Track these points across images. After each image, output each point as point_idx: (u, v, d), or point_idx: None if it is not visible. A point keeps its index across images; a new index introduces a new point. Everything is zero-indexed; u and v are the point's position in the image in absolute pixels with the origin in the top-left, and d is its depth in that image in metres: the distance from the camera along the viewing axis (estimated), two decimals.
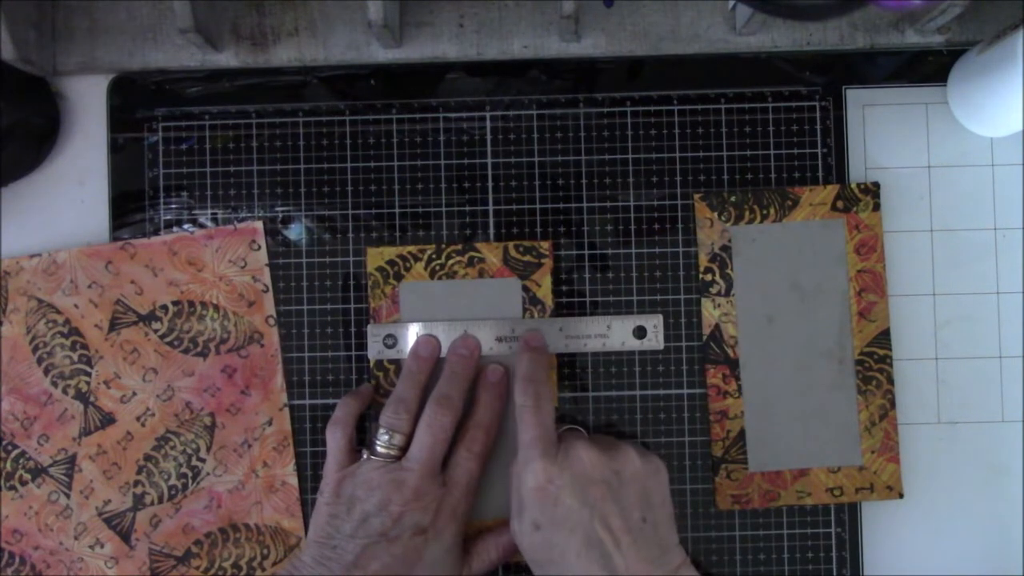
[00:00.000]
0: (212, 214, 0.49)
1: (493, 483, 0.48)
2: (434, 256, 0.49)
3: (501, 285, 0.48)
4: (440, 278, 0.48)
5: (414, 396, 0.46)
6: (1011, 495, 0.49)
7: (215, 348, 0.49)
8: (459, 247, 0.49)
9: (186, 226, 0.49)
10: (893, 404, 0.48)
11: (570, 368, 0.49)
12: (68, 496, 0.48)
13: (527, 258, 0.49)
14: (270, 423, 0.49)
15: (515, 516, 0.43)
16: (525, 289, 0.48)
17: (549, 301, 0.48)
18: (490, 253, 0.49)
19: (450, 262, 0.48)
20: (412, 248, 0.49)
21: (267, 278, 0.49)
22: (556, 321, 0.48)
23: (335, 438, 0.46)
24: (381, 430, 0.45)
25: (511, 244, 0.49)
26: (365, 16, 0.45)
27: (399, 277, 0.48)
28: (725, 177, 0.49)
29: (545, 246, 0.49)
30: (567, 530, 0.41)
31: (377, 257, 0.49)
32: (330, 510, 0.44)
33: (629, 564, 0.40)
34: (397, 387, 0.47)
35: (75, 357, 0.49)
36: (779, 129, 0.49)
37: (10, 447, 0.49)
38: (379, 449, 0.45)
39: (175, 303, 0.49)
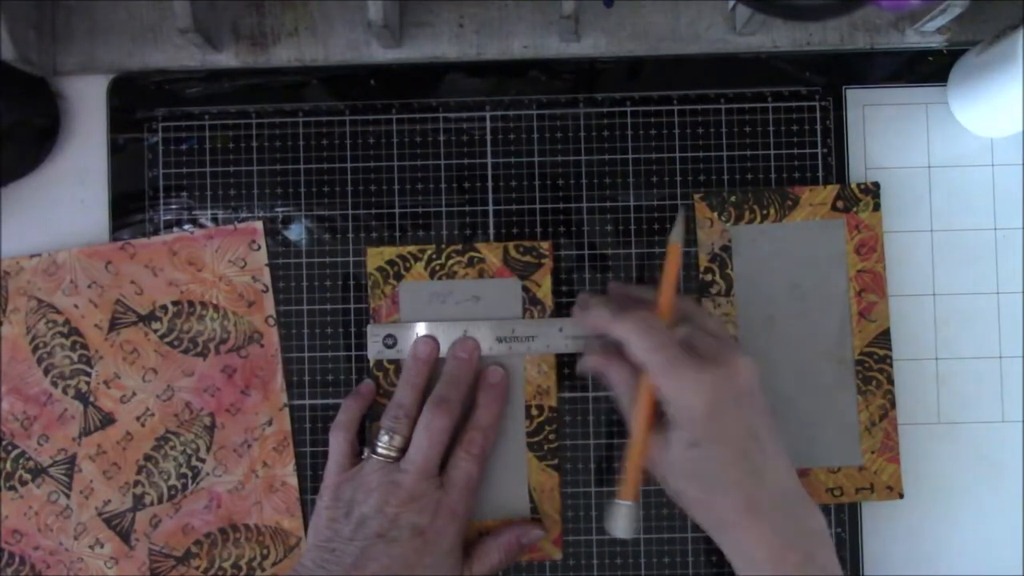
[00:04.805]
0: (212, 214, 0.49)
1: (495, 484, 0.48)
2: (434, 256, 0.49)
3: (501, 285, 0.48)
4: (440, 278, 0.48)
5: (413, 399, 0.46)
6: (1011, 495, 0.49)
7: (215, 348, 0.49)
8: (459, 247, 0.49)
9: (186, 226, 0.49)
10: (893, 404, 0.48)
11: (570, 368, 0.48)
12: (68, 496, 0.48)
13: (527, 258, 0.49)
14: (270, 423, 0.49)
15: (654, 432, 0.42)
16: (525, 289, 0.48)
17: (549, 301, 0.48)
18: (490, 253, 0.49)
19: (450, 262, 0.48)
20: (412, 248, 0.49)
21: (267, 278, 0.49)
22: (556, 321, 0.48)
23: (337, 442, 0.46)
24: (382, 432, 0.45)
25: (511, 244, 0.49)
26: (365, 16, 0.45)
27: (399, 277, 0.48)
28: (725, 177, 0.49)
29: (545, 246, 0.49)
30: (723, 444, 0.40)
31: (377, 257, 0.49)
32: (329, 513, 0.45)
33: (772, 471, 0.41)
34: (397, 390, 0.47)
35: (75, 357, 0.49)
36: (779, 129, 0.49)
37: (10, 447, 0.49)
38: (380, 450, 0.45)
39: (175, 303, 0.49)
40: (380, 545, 0.43)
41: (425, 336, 0.48)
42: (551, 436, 0.48)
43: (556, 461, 0.48)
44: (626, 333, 0.42)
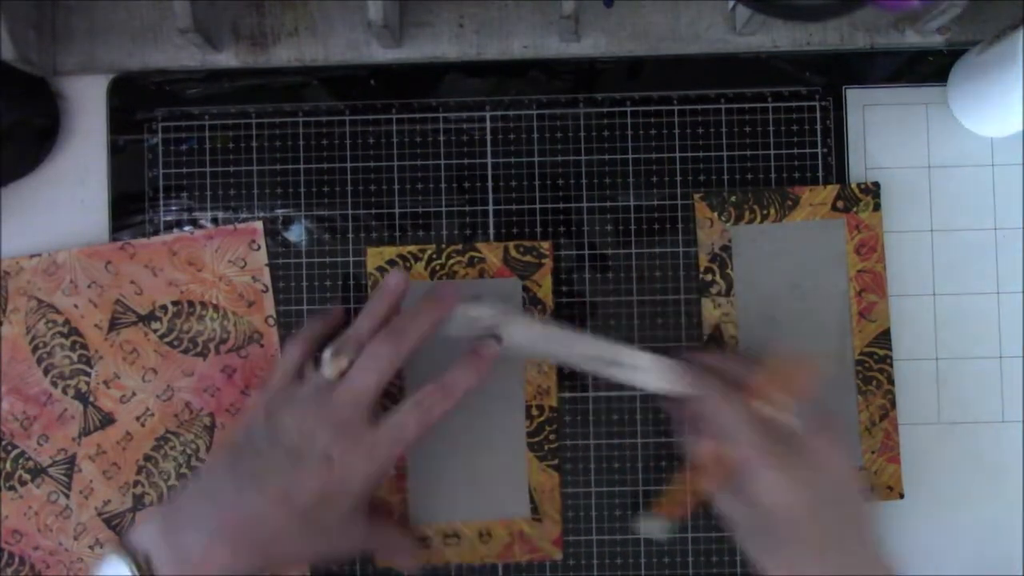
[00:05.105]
0: (212, 214, 0.49)
1: (495, 484, 0.48)
2: (434, 256, 0.49)
3: (501, 285, 0.48)
4: (440, 278, 0.48)
5: (368, 327, 0.43)
6: (1011, 495, 0.49)
7: (215, 348, 0.49)
8: (459, 247, 0.49)
9: (186, 227, 0.49)
10: (893, 404, 0.48)
11: (570, 368, 0.48)
12: (68, 496, 0.48)
13: (527, 258, 0.49)
14: None
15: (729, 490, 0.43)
16: (525, 289, 0.48)
17: (549, 301, 0.48)
18: (490, 253, 0.49)
19: (450, 262, 0.48)
20: (412, 248, 0.49)
21: (267, 278, 0.49)
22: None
23: (288, 352, 0.45)
24: (327, 350, 0.43)
25: (511, 244, 0.49)
26: (365, 16, 0.45)
27: None
28: (725, 177, 0.49)
29: (545, 246, 0.49)
30: (816, 544, 0.40)
31: (377, 257, 0.49)
32: (251, 414, 0.43)
33: (850, 556, 0.41)
34: (356, 320, 0.44)
35: (75, 357, 0.49)
36: (779, 129, 0.49)
37: (10, 447, 0.49)
38: (323, 369, 0.43)
39: (175, 303, 0.49)
40: (285, 462, 0.40)
41: (396, 269, 0.46)
42: (551, 436, 0.48)
43: (556, 461, 0.48)
44: (730, 425, 0.42)
